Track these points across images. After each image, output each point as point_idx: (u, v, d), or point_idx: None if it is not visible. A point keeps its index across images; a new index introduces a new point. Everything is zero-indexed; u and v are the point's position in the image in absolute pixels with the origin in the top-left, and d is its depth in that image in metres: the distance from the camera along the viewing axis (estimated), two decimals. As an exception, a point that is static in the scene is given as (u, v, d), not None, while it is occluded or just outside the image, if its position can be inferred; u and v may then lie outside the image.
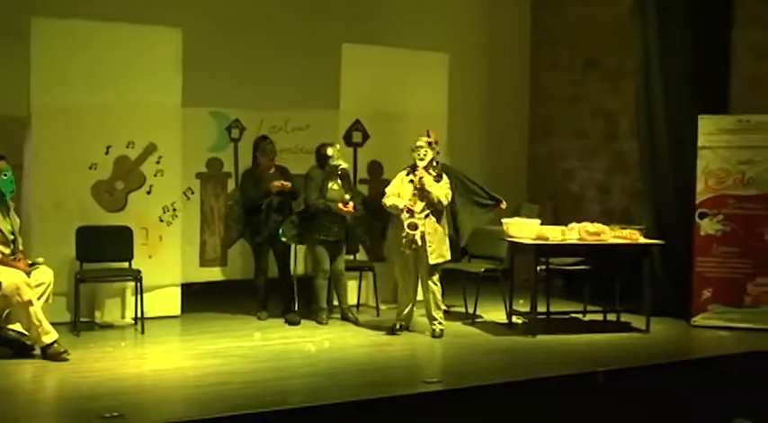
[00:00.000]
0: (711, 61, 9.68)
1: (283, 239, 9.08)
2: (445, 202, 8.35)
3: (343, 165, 9.01)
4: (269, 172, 9.20)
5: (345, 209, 8.93)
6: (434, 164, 8.44)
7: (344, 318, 9.16)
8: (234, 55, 10.12)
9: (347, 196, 8.98)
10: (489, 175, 11.93)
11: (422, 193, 8.35)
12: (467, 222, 9.35)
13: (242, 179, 9.33)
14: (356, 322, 9.06)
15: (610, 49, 11.56)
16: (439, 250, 8.36)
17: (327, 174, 8.98)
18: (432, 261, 8.36)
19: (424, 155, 8.41)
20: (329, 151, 8.94)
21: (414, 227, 8.31)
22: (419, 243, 8.32)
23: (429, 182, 8.34)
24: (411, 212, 8.33)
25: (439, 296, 8.47)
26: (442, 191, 8.33)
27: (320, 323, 8.97)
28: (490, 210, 9.52)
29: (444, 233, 8.43)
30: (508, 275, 9.13)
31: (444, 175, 8.43)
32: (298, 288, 9.36)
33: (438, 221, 8.39)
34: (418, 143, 8.46)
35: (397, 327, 8.63)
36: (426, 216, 8.35)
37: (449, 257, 8.48)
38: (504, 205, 9.45)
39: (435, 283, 8.45)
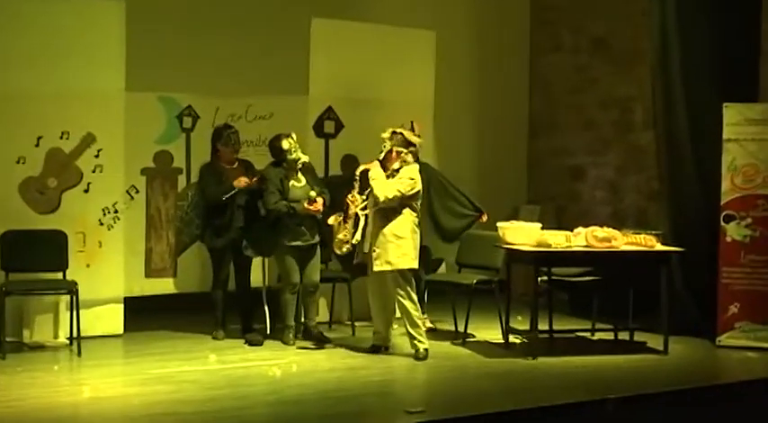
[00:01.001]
0: (739, 42, 9.72)
1: (248, 253, 9.09)
2: (381, 199, 8.31)
3: (304, 158, 9.01)
4: (232, 167, 9.19)
5: (313, 208, 8.92)
6: (398, 154, 8.42)
7: (308, 336, 9.11)
8: (186, 31, 10.07)
9: (313, 193, 8.97)
10: (483, 173, 11.98)
11: (362, 182, 8.49)
12: (447, 229, 9.47)
13: (201, 174, 9.32)
14: (324, 341, 9.01)
15: (621, 27, 11.60)
16: (385, 256, 8.37)
17: (286, 170, 8.97)
18: (375, 267, 8.41)
19: (383, 147, 8.52)
20: (285, 144, 8.93)
21: (336, 219, 8.54)
22: (347, 238, 8.48)
23: (374, 174, 8.43)
24: (347, 207, 8.49)
25: (413, 311, 8.45)
26: (384, 187, 8.34)
27: (287, 344, 8.96)
28: (472, 222, 9.64)
29: (398, 236, 8.35)
30: (504, 288, 9.13)
31: (406, 171, 8.42)
32: (261, 303, 9.33)
33: (388, 221, 8.38)
34: (382, 135, 8.60)
35: (370, 349, 8.69)
36: (370, 215, 8.42)
37: (402, 266, 8.37)
38: (485, 218, 9.57)
39: (403, 296, 8.44)
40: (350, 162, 10.12)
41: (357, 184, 8.55)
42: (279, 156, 9.00)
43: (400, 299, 8.47)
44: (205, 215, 9.29)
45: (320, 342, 8.99)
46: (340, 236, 8.59)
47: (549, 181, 12.43)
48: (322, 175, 9.98)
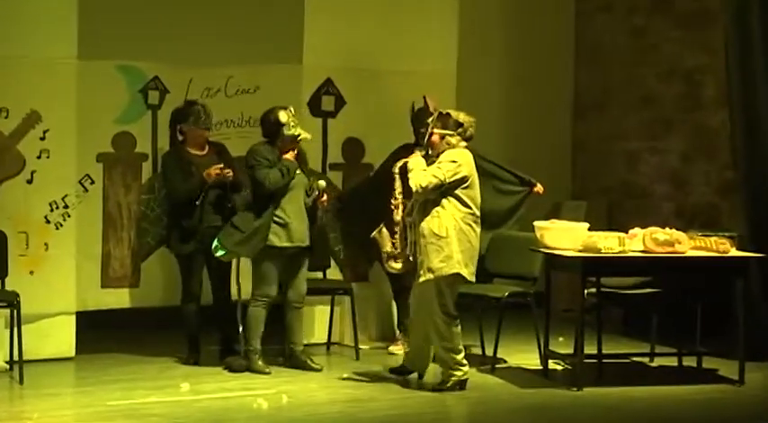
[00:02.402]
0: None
1: (219, 254, 9.02)
2: (414, 189, 8.29)
3: (304, 135, 9.04)
4: (202, 153, 9.24)
5: (321, 201, 9.06)
6: (441, 138, 8.45)
7: (296, 364, 9.15)
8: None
9: (322, 183, 9.05)
10: (517, 160, 11.92)
11: (404, 179, 8.53)
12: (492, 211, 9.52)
13: (164, 164, 9.35)
14: (314, 370, 9.09)
15: (688, -19, 11.66)
16: (427, 262, 8.36)
17: (281, 151, 9.00)
18: (420, 278, 8.43)
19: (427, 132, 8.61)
20: (282, 116, 8.96)
21: (378, 229, 8.64)
22: (395, 250, 8.59)
23: (412, 164, 8.45)
24: (391, 213, 8.63)
25: (442, 340, 8.44)
26: (419, 175, 8.32)
27: (259, 372, 8.94)
28: (523, 198, 9.66)
29: (439, 236, 8.31)
30: (543, 302, 9.15)
31: (448, 154, 8.43)
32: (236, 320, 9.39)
33: (427, 218, 8.40)
34: (428, 120, 8.69)
35: (395, 370, 8.75)
36: (411, 212, 8.48)
37: (446, 272, 8.31)
38: (540, 188, 9.60)
39: (436, 310, 8.41)
40: (353, 147, 10.17)
41: (399, 184, 8.57)
42: (273, 132, 9.01)
43: (434, 312, 8.42)
44: (170, 214, 9.33)
45: (310, 370, 9.07)
46: (387, 249, 8.62)
47: (598, 171, 12.45)
48: (319, 161, 10.04)
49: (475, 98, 11.06)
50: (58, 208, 9.23)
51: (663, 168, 11.96)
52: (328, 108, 10.18)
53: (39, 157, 9.14)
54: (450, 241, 8.34)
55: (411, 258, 8.57)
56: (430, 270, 8.33)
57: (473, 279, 8.48)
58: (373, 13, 10.23)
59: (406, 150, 9.37)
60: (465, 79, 10.72)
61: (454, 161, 8.38)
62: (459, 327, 8.51)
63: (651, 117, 12.05)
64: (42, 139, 9.14)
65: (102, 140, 9.59)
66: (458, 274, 8.34)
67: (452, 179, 8.33)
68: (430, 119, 8.62)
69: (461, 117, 8.53)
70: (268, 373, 8.93)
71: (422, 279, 8.39)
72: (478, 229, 8.50)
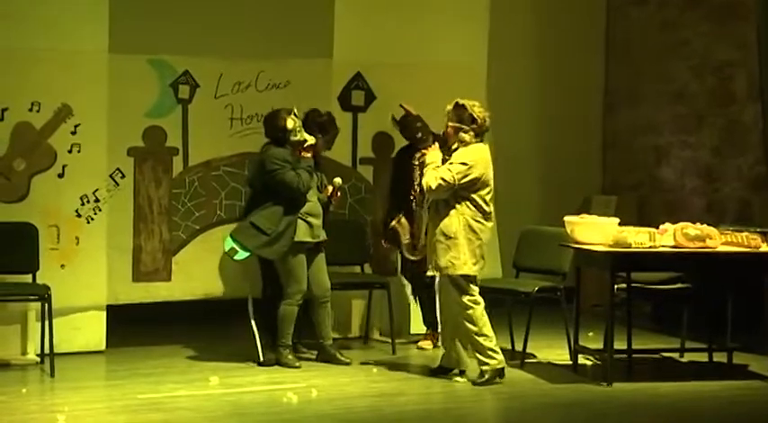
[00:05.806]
0: None
1: (239, 257, 8.98)
2: (425, 188, 8.37)
3: (310, 140, 9.01)
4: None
5: (335, 197, 9.15)
6: (455, 132, 8.46)
7: (325, 358, 9.19)
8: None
9: (338, 180, 9.11)
10: (547, 155, 12.00)
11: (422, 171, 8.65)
12: None
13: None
14: (343, 364, 9.11)
15: (720, -26, 11.61)
16: (435, 259, 8.44)
17: (290, 154, 8.99)
18: (428, 272, 8.58)
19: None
20: (290, 123, 8.94)
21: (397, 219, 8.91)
22: (409, 240, 8.70)
23: (430, 157, 8.52)
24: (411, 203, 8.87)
25: (472, 325, 8.46)
26: (430, 174, 8.37)
27: (290, 366, 8.99)
28: None
29: (447, 236, 8.34)
30: (573, 297, 9.15)
31: (460, 154, 8.41)
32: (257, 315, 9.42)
33: (438, 217, 8.43)
34: (447, 108, 8.61)
35: (435, 370, 8.77)
36: (429, 207, 8.55)
37: (453, 272, 8.37)
38: None
39: (463, 306, 8.47)
40: (384, 142, 10.17)
41: (419, 176, 8.69)
42: (278, 136, 9.01)
43: (457, 300, 8.46)
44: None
45: (339, 364, 9.12)
46: (405, 239, 8.86)
47: (628, 166, 12.43)
48: (349, 157, 10.10)
49: (505, 92, 11.09)
50: (89, 202, 9.29)
51: (694, 163, 11.92)
52: (358, 103, 10.21)
53: (70, 151, 9.20)
54: (458, 242, 8.41)
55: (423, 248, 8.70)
56: (437, 267, 8.47)
57: (480, 272, 8.54)
58: (403, 8, 10.24)
59: (407, 151, 9.46)
60: (495, 73, 10.71)
61: (465, 163, 8.37)
62: (483, 309, 8.53)
63: (682, 111, 12.01)
64: (73, 133, 9.20)
65: (133, 134, 9.63)
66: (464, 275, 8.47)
67: (462, 182, 8.35)
68: (449, 106, 8.55)
69: (476, 111, 8.49)
70: (297, 367, 8.97)
71: (429, 273, 8.58)
72: (491, 224, 8.57)
